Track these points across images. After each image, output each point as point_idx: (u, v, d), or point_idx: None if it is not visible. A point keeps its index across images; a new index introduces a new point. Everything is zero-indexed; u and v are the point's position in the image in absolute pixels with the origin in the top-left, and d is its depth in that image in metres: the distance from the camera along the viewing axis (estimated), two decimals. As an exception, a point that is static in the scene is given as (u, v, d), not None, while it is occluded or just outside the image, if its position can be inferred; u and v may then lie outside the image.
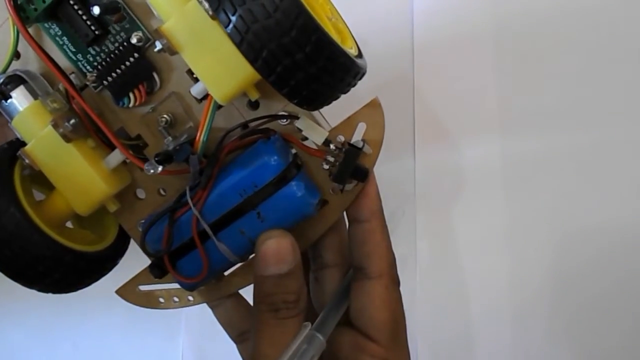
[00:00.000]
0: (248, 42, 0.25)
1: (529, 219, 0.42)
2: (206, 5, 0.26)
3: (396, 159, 0.43)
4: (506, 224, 0.42)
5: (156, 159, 0.28)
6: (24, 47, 0.32)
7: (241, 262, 0.32)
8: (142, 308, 0.36)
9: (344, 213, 0.33)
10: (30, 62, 0.32)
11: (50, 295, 0.34)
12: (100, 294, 0.34)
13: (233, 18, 0.25)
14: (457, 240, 0.43)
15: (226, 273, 0.34)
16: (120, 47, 0.30)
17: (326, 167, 0.31)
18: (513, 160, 0.43)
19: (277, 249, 0.29)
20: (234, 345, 0.36)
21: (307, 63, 0.25)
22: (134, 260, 0.35)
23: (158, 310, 0.37)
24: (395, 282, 0.32)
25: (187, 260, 0.31)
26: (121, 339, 0.50)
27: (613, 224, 0.40)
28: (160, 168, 0.28)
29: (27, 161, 0.31)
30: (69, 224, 0.34)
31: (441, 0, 0.43)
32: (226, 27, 0.25)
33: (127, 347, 0.50)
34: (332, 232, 0.33)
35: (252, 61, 0.25)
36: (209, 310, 0.37)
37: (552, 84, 0.42)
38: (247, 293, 0.35)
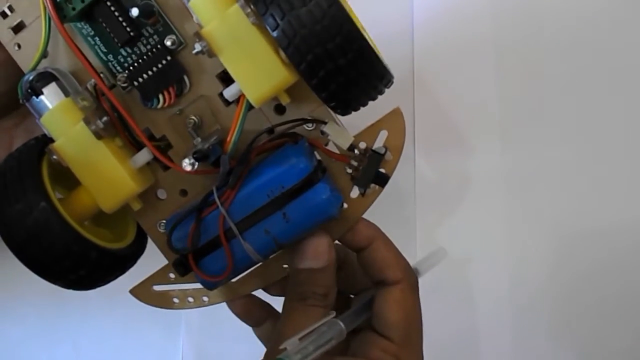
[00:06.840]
0: (295, 46, 0.26)
1: (529, 220, 0.43)
2: (249, 10, 0.27)
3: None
4: (506, 225, 0.43)
5: (195, 156, 0.29)
6: (52, 45, 0.32)
7: (263, 261, 0.32)
8: (141, 308, 0.36)
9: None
10: (58, 60, 0.33)
11: (50, 295, 0.34)
12: (100, 294, 0.34)
13: (281, 23, 0.26)
14: (457, 241, 0.43)
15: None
16: (154, 49, 0.31)
17: (349, 171, 0.32)
18: (513, 161, 0.43)
19: (316, 245, 0.31)
20: (234, 345, 0.36)
21: (348, 68, 0.26)
22: (140, 261, 0.35)
23: (158, 310, 0.37)
24: (413, 286, 0.33)
25: (210, 259, 0.32)
26: (121, 338, 0.50)
27: (614, 224, 0.41)
28: (197, 165, 0.29)
29: (54, 157, 0.31)
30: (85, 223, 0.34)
31: (441, 4, 0.44)
32: (273, 31, 0.26)
33: (127, 346, 0.50)
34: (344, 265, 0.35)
35: (297, 64, 0.26)
36: (209, 310, 0.37)
37: (552, 87, 0.43)
38: (259, 291, 0.36)
